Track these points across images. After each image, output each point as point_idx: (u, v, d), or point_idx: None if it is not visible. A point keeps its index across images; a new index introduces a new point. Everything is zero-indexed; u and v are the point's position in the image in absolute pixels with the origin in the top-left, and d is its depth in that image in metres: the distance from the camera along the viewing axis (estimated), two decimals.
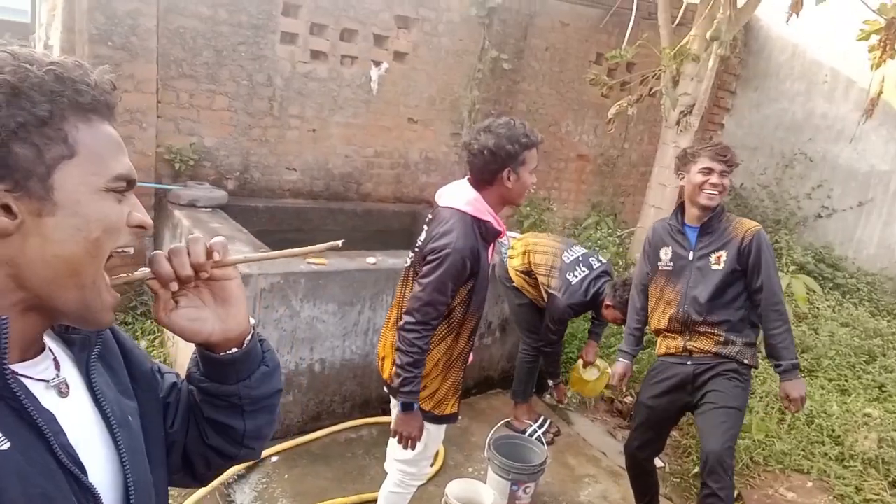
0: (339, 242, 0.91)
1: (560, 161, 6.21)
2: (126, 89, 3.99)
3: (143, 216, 0.76)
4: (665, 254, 2.73)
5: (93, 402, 0.78)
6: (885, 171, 5.82)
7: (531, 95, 5.80)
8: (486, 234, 2.19)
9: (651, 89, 5.35)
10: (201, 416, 0.93)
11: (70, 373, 0.77)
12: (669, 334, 2.74)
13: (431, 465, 3.13)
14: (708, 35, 4.83)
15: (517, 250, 3.65)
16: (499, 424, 3.20)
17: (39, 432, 0.68)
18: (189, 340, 0.85)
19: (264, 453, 2.99)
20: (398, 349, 2.16)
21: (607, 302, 3.35)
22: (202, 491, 2.72)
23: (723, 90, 6.88)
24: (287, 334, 3.20)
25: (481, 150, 2.14)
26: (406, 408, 2.17)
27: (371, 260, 3.50)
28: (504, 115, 5.53)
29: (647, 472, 2.90)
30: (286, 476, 3.01)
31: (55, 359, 0.76)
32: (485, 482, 2.95)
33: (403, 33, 5.05)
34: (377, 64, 5.01)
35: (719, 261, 2.59)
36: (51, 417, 0.69)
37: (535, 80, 5.77)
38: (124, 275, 0.80)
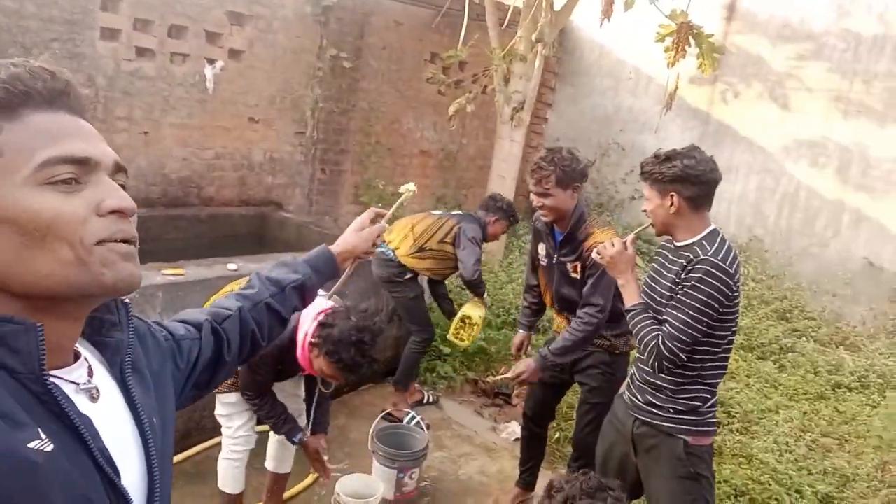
0: (412, 185, 1.74)
1: (404, 157, 6.36)
2: None
3: (117, 201, 0.70)
4: (542, 249, 2.87)
5: (127, 407, 0.78)
6: None
7: (371, 94, 5.87)
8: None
9: (485, 87, 5.68)
10: (275, 320, 1.20)
11: (102, 379, 0.77)
12: (557, 315, 2.93)
13: None
14: (533, 37, 5.25)
15: (396, 238, 3.75)
16: (379, 417, 3.26)
17: (78, 435, 0.68)
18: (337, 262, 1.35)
19: None
20: None
21: (491, 218, 3.80)
22: None
23: (544, 87, 7.45)
24: None
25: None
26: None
27: (232, 266, 3.37)
28: (347, 113, 5.64)
29: (539, 438, 3.12)
30: None
31: (90, 366, 0.76)
32: (370, 474, 3.00)
33: (237, 30, 4.86)
34: (211, 62, 4.78)
35: (576, 270, 2.70)
36: (88, 421, 0.70)
37: (374, 78, 5.84)
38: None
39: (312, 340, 2.30)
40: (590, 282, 2.64)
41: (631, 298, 2.17)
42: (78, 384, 0.73)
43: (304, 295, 1.25)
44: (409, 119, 6.29)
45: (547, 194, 2.58)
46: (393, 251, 3.74)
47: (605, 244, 2.24)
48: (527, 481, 3.17)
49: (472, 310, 3.87)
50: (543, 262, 2.86)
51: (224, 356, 1.10)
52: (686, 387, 2.11)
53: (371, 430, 3.08)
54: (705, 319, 1.99)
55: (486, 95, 5.77)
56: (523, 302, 3.16)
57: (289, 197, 5.49)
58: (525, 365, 2.71)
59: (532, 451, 3.14)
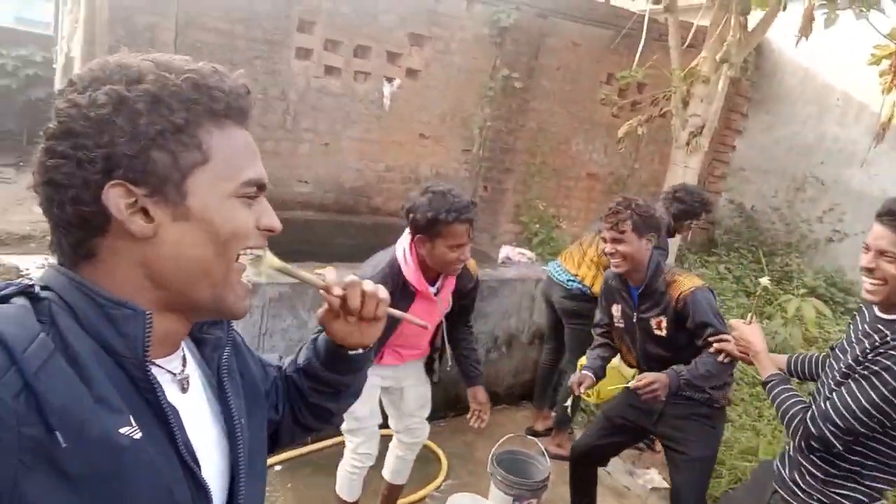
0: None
1: (570, 179, 6.23)
2: None
3: (273, 220, 0.77)
4: (616, 311, 2.70)
5: (218, 403, 0.82)
6: None
7: (542, 114, 5.84)
8: (402, 286, 2.23)
9: (661, 110, 5.38)
10: (301, 401, 1.05)
11: (193, 370, 0.80)
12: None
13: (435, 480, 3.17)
14: (718, 57, 4.87)
15: (588, 273, 3.52)
16: (503, 439, 3.17)
17: (166, 426, 0.70)
18: (336, 343, 1.00)
19: (269, 461, 3.03)
20: None
21: (681, 223, 3.49)
22: None
23: (734, 113, 6.90)
24: (294, 344, 3.22)
25: (405, 209, 2.20)
26: None
27: None
28: (514, 133, 5.66)
29: (589, 480, 2.93)
30: (289, 485, 3.01)
31: (184, 356, 0.79)
32: (487, 497, 2.93)
33: (416, 51, 5.12)
34: (390, 80, 5.08)
35: (660, 327, 2.51)
36: (176, 412, 0.72)
37: (546, 98, 5.81)
38: (309, 274, 0.86)
39: (414, 235, 2.19)
40: (706, 327, 2.42)
41: (767, 369, 2.00)
42: (175, 374, 0.76)
43: (314, 376, 1.05)
44: (578, 141, 6.16)
45: (621, 240, 2.46)
46: (590, 288, 3.52)
47: (735, 332, 2.16)
48: None
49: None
50: (620, 323, 2.66)
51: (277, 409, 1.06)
52: (837, 481, 1.76)
53: (491, 453, 3.01)
54: (880, 416, 1.61)
55: (664, 119, 5.47)
56: (589, 358, 2.82)
57: None
58: (657, 378, 2.40)
59: (581, 493, 2.91)
